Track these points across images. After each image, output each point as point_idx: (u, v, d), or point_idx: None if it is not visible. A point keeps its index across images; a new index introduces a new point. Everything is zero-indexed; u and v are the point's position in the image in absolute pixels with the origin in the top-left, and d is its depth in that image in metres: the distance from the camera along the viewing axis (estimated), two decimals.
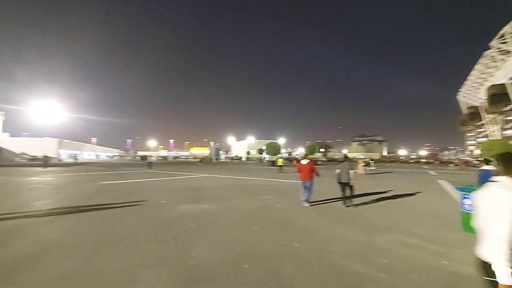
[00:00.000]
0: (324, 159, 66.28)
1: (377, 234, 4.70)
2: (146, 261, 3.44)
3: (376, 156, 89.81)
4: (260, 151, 68.59)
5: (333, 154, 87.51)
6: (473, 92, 61.87)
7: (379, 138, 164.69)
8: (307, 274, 3.10)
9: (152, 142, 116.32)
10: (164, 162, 57.29)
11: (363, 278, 3.03)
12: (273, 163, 34.93)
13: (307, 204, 7.24)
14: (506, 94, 41.38)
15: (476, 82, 58.73)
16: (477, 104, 58.53)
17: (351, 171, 7.06)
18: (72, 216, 5.88)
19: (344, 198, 7.15)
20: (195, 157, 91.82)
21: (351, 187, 7.15)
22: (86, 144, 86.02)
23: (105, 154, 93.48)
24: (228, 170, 25.46)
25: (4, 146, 51.78)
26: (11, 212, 6.11)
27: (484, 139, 46.24)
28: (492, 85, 44.54)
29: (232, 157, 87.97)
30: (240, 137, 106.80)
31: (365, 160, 22.16)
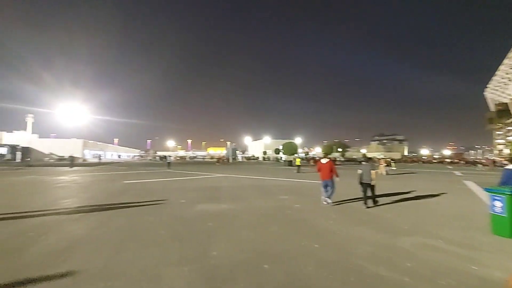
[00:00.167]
0: (342, 159, 64.98)
1: (400, 236, 4.54)
2: (168, 258, 3.54)
3: (396, 156, 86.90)
4: (277, 151, 68.36)
5: (351, 154, 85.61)
6: (501, 88, 58.01)
7: (400, 137, 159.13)
8: (328, 276, 3.06)
9: (170, 143, 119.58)
10: (182, 162, 58.64)
11: (386, 281, 2.94)
12: (290, 163, 34.65)
13: (330, 201, 7.13)
14: None
15: (505, 78, 55.05)
16: (506, 100, 54.93)
17: (372, 172, 6.89)
18: (98, 214, 6.16)
19: (365, 199, 6.99)
20: (212, 157, 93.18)
21: (372, 188, 6.99)
22: (109, 144, 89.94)
23: (126, 154, 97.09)
24: (245, 170, 25.61)
25: (33, 146, 54.71)
26: (41, 209, 6.46)
27: None
28: None
29: (249, 157, 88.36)
30: (256, 137, 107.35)
31: (386, 160, 21.51)
